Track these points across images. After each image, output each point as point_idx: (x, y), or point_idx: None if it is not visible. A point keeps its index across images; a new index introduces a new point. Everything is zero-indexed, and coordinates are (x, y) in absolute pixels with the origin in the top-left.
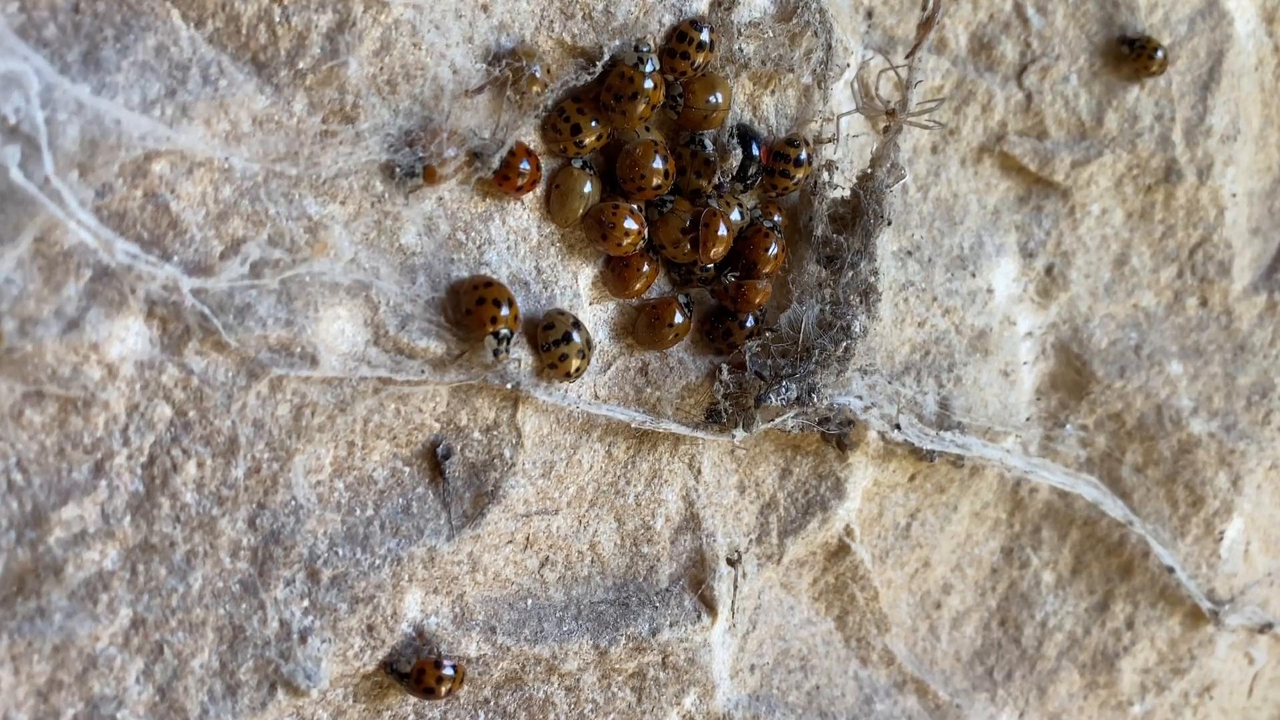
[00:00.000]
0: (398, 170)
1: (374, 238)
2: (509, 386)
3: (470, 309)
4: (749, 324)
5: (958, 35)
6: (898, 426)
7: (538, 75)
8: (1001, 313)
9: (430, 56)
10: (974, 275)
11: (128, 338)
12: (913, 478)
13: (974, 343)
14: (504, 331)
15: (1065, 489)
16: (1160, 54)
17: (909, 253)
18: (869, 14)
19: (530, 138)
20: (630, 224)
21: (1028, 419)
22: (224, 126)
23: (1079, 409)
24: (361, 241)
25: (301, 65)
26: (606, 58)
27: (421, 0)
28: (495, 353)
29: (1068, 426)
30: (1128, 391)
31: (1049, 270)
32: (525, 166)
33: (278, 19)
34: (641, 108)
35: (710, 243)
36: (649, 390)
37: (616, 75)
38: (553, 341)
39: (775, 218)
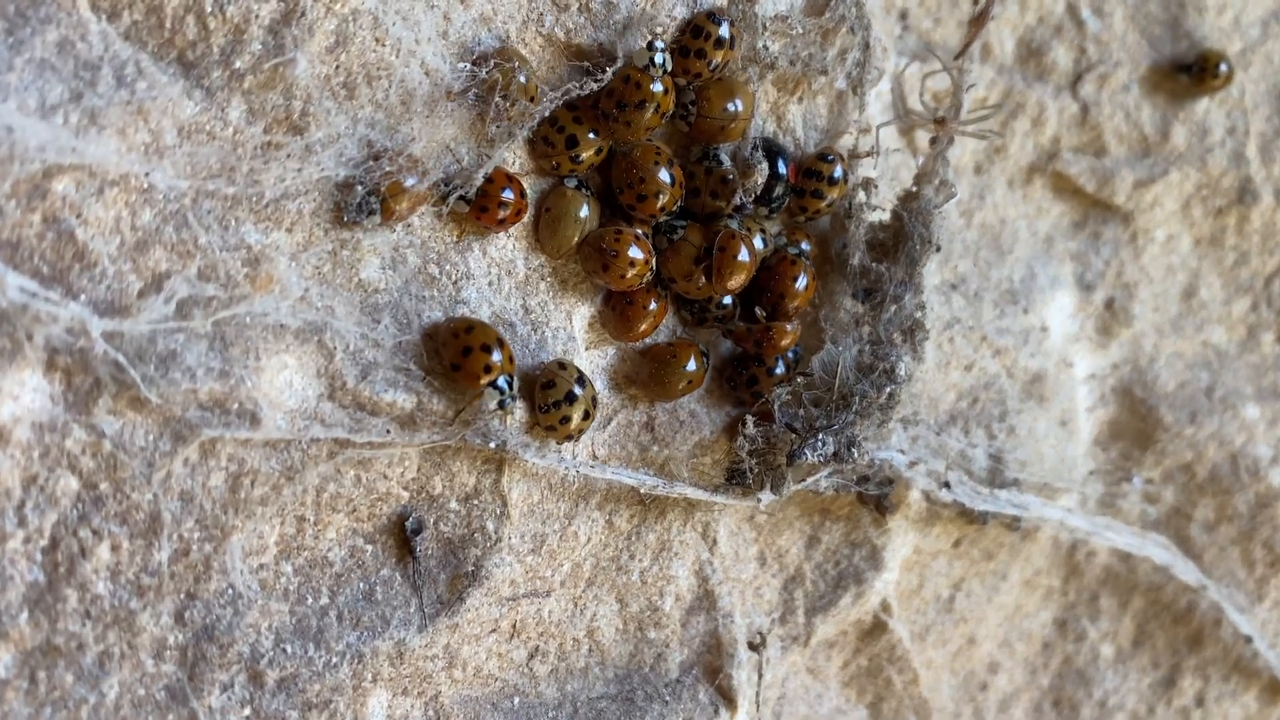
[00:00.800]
0: (347, 207)
1: (328, 271)
2: (493, 447)
3: (457, 362)
4: (778, 369)
5: (1004, 40)
6: (946, 485)
7: (524, 83)
8: (1058, 353)
9: (396, 54)
10: (1026, 311)
11: (22, 394)
12: (957, 543)
13: (1028, 388)
14: (502, 381)
15: (1130, 551)
16: (1224, 68)
17: (953, 286)
18: (903, 16)
19: (514, 157)
20: (636, 252)
21: (1090, 473)
22: (143, 137)
23: (1144, 460)
24: (313, 276)
25: (239, 64)
26: (620, 62)
27: None
28: (501, 404)
29: (1134, 480)
30: (1199, 439)
31: (1109, 304)
32: (508, 195)
33: (209, 9)
34: (649, 117)
35: (728, 271)
36: (656, 448)
37: (620, 78)
38: (553, 403)
39: (803, 244)
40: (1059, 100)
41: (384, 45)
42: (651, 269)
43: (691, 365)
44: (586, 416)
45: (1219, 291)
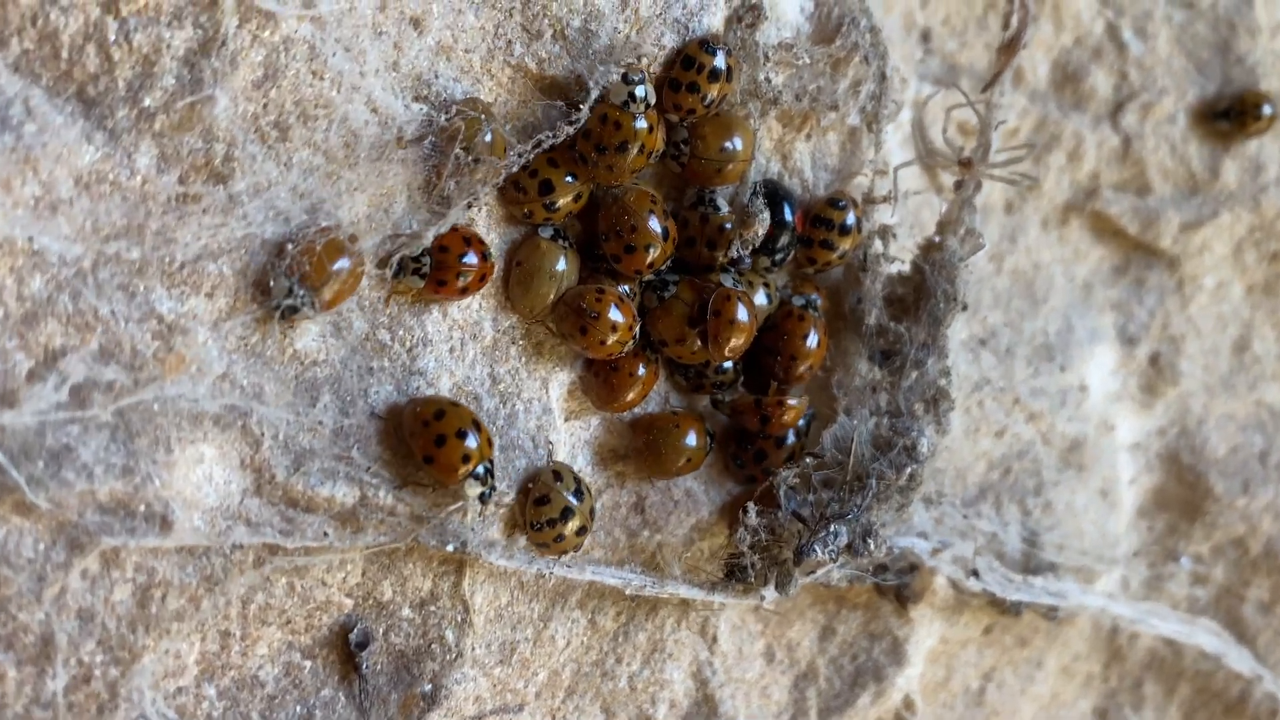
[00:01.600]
0: (275, 299)
1: (256, 343)
2: (451, 549)
3: (430, 454)
4: (789, 441)
5: (1037, 64)
6: (975, 573)
7: (489, 141)
8: (1098, 416)
9: (337, 89)
10: (1063, 369)
11: None
12: (988, 630)
13: (1066, 456)
14: (481, 469)
15: (1178, 638)
16: (1267, 109)
17: (982, 341)
18: (925, 37)
19: (480, 205)
20: (617, 315)
21: (1135, 554)
22: (32, 190)
23: (1192, 533)
24: (238, 349)
25: (148, 102)
26: (593, 98)
27: (324, 10)
28: (483, 497)
29: (1182, 560)
30: (1252, 511)
31: (1154, 360)
32: (469, 260)
33: (113, 36)
34: (633, 159)
35: (725, 336)
36: (646, 534)
37: (598, 118)
38: (547, 521)
39: (813, 296)
40: (1098, 132)
41: (322, 79)
42: (634, 336)
43: (692, 440)
44: (582, 531)
45: (1274, 345)
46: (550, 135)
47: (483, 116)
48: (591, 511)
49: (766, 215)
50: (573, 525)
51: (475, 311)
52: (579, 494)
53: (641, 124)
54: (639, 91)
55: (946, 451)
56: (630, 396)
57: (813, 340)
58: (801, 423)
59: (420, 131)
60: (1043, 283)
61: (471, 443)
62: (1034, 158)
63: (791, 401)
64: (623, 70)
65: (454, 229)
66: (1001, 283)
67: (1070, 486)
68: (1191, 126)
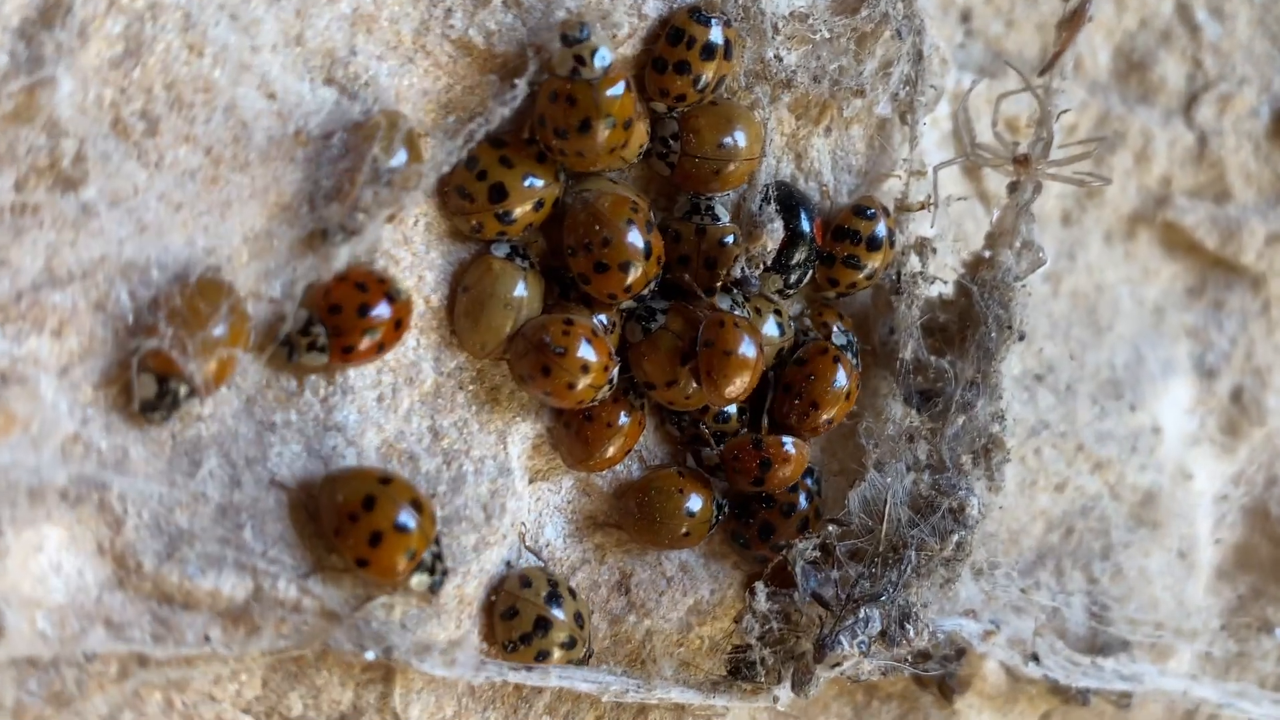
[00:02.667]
0: (139, 398)
1: (115, 395)
2: (371, 658)
3: (365, 557)
4: (800, 506)
5: (1096, 50)
6: (1034, 657)
7: (402, 167)
8: (1173, 463)
9: (220, 68)
10: (1133, 408)
11: None
12: (1046, 715)
13: (1138, 511)
14: (428, 556)
15: None
16: None
17: (1038, 377)
18: (965, 18)
19: (416, 215)
20: (588, 352)
21: (1222, 627)
22: None
23: None
24: (93, 401)
25: None
26: (530, 71)
27: None
28: (433, 587)
29: (1276, 632)
30: None
31: (1236, 395)
32: (376, 312)
33: None
34: (605, 138)
35: (721, 374)
36: (633, 619)
37: (546, 97)
38: (520, 638)
39: (837, 326)
40: (1169, 128)
41: (201, 55)
42: (611, 379)
43: (697, 505)
44: (572, 644)
45: None
46: (483, 122)
47: (384, 128)
48: (579, 619)
49: (779, 226)
50: (557, 638)
51: (410, 350)
52: (556, 599)
53: (614, 91)
54: (589, 53)
55: (999, 510)
56: (610, 452)
57: (841, 381)
58: (810, 482)
59: (327, 126)
60: (1107, 306)
61: (411, 526)
62: (1097, 160)
63: (787, 446)
64: (559, 31)
65: (343, 276)
66: (1059, 307)
67: (1143, 548)
68: (1278, 122)
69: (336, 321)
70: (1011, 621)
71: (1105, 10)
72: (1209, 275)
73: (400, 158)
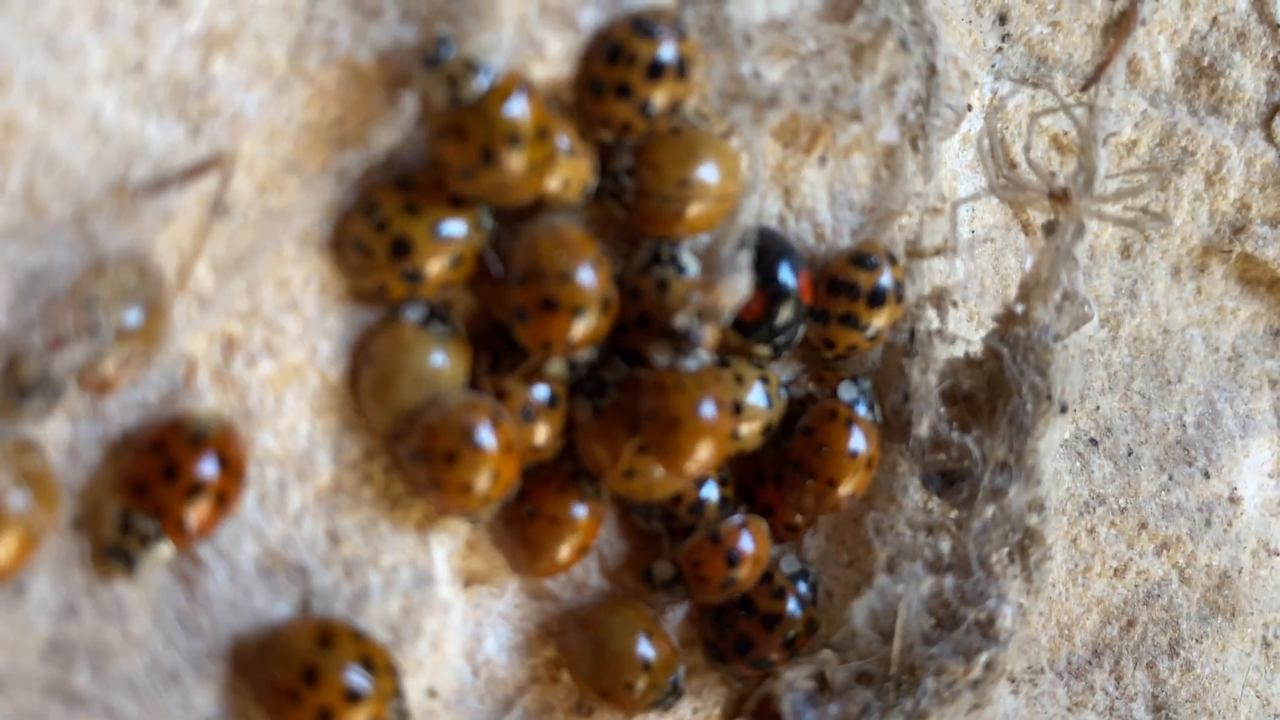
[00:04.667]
0: None
1: None
2: None
3: None
4: (787, 616)
5: (1159, 53)
6: None
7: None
8: (1255, 537)
9: (39, 107)
10: (1206, 475)
11: None
12: None
13: (1212, 597)
14: (392, 715)
15: None
16: None
17: (1093, 441)
18: (1002, 18)
19: (298, 271)
20: (487, 439)
21: None
22: None
23: None
24: None
25: None
26: (406, 114)
27: None
28: None
29: None
30: None
31: None
32: (204, 470)
33: None
34: (517, 164)
35: (674, 448)
36: None
37: (435, 134)
38: None
39: (864, 384)
40: (1245, 146)
41: (7, 91)
42: (509, 486)
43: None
44: None
45: None
46: (363, 154)
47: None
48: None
49: (745, 281)
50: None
51: (302, 434)
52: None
53: (509, 103)
54: (461, 69)
55: (1044, 604)
56: (561, 554)
57: (858, 448)
58: (803, 587)
59: (161, 176)
60: (1175, 354)
61: (366, 690)
62: (1162, 184)
63: (740, 528)
64: (419, 55)
65: (131, 442)
66: (1119, 356)
67: (1218, 639)
68: None
69: (151, 501)
70: None
71: (1169, 6)
72: None
73: (135, 317)
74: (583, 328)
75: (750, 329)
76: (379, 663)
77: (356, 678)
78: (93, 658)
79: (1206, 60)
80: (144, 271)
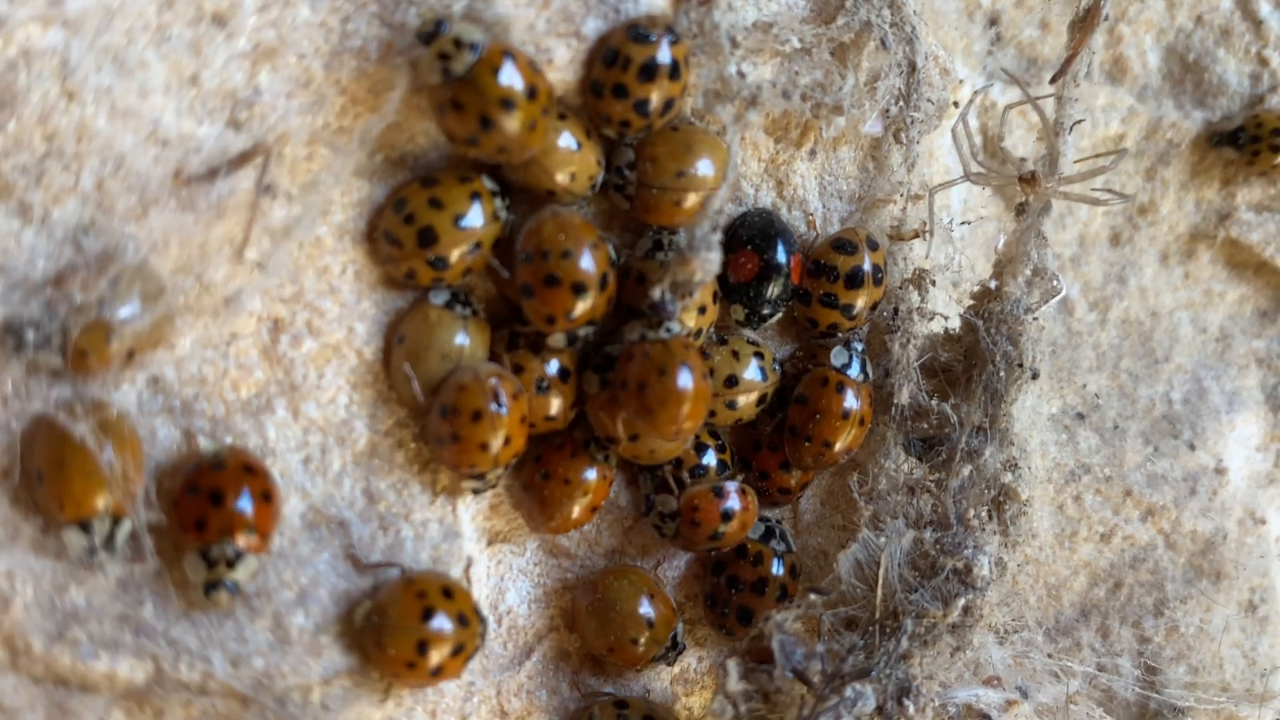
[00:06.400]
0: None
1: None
2: None
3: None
4: (772, 575)
5: (1145, 51)
6: None
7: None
8: (1241, 507)
9: (106, 115)
10: (1192, 447)
11: None
12: None
13: (1197, 561)
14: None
15: None
16: None
17: (1080, 416)
18: (992, 21)
19: (341, 261)
20: (507, 405)
21: None
22: None
23: None
24: None
25: None
26: (397, 96)
27: (76, 8)
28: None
29: None
30: None
31: None
32: (241, 506)
33: None
34: (515, 124)
35: (650, 408)
36: (609, 691)
37: (437, 112)
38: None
39: (856, 345)
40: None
41: (80, 102)
42: (516, 454)
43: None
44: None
45: None
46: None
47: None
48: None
49: (716, 257)
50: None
51: (340, 404)
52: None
53: (497, 71)
54: (451, 44)
55: (1032, 565)
56: (574, 513)
57: (850, 407)
58: (776, 543)
59: (209, 164)
60: (1163, 335)
61: (447, 628)
62: (1145, 172)
63: (718, 498)
64: (417, 36)
65: (188, 482)
66: (1107, 337)
67: (1203, 601)
68: None
69: (216, 529)
70: (1046, 688)
71: (1155, 6)
72: None
73: (132, 308)
74: (581, 305)
75: (735, 291)
76: (460, 600)
77: (441, 618)
78: (156, 595)
79: (1191, 56)
80: (160, 289)
